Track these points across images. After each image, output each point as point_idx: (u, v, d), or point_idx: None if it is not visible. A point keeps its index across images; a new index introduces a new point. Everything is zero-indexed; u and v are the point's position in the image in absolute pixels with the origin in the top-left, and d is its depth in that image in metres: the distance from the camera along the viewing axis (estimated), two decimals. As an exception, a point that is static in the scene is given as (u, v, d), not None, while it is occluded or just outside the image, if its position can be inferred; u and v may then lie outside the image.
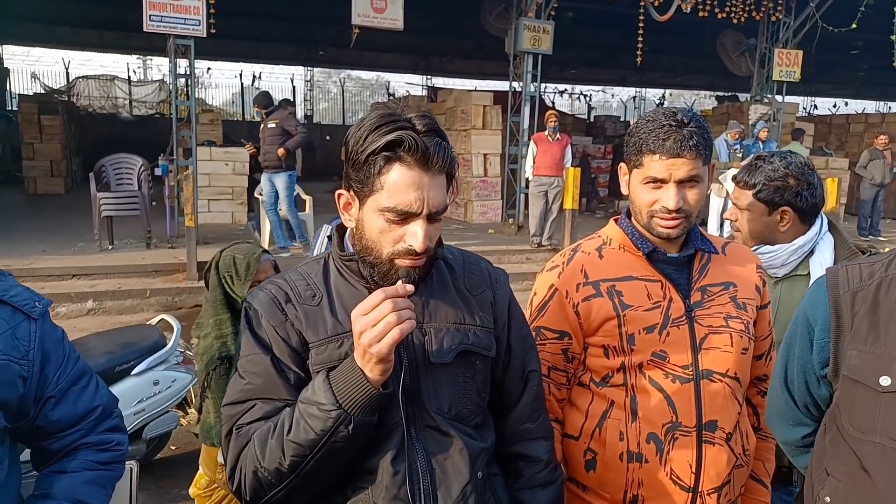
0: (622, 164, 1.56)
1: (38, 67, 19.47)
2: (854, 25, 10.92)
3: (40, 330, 1.25)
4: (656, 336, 1.47)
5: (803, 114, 21.20)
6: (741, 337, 1.51)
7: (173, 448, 3.97)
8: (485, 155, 11.37)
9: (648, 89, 26.93)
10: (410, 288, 1.11)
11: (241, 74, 21.96)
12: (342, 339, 1.19)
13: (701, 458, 1.46)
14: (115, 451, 1.38)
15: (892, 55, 11.45)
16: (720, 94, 20.79)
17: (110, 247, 7.94)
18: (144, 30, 7.99)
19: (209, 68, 21.66)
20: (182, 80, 8.94)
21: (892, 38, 11.40)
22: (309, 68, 22.80)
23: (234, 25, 14.55)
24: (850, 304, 1.26)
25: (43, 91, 17.28)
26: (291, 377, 1.19)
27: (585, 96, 27.08)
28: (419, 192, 1.13)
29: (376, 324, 1.05)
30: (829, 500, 1.29)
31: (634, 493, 1.49)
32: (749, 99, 12.81)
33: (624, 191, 1.56)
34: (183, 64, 8.64)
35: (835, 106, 26.25)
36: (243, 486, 1.17)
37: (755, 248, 1.96)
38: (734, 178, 2.07)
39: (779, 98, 12.23)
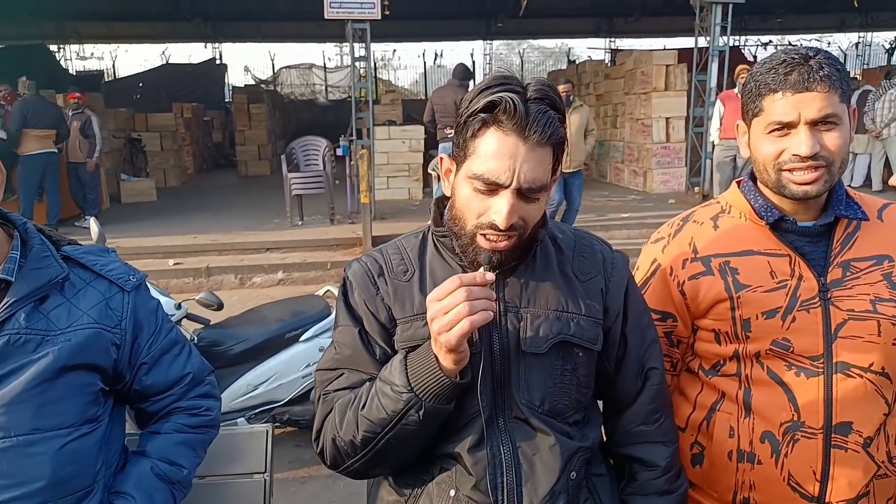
0: (738, 123, 1.32)
1: (249, 61, 21.78)
2: None
3: (133, 301, 1.35)
4: (778, 321, 1.25)
5: None
6: (893, 325, 1.23)
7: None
8: (667, 119, 10.58)
9: (875, 33, 23.20)
10: (491, 277, 1.02)
11: (423, 54, 22.69)
12: None
13: (828, 466, 1.24)
14: (205, 415, 1.46)
15: None
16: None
17: (300, 223, 8.64)
18: (325, 17, 8.49)
19: (395, 50, 22.64)
20: (362, 63, 9.39)
21: None
22: (488, 41, 22.87)
23: (415, 6, 14.99)
24: None
25: (253, 83, 19.28)
26: (377, 352, 1.17)
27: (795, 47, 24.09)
28: (511, 162, 1.03)
29: (448, 312, 0.99)
30: None
31: (745, 495, 1.31)
32: None
33: (744, 153, 1.31)
34: (361, 48, 9.06)
35: None
36: (325, 451, 1.19)
37: None
38: None
39: None
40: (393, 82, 22.78)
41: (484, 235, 1.09)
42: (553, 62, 26.03)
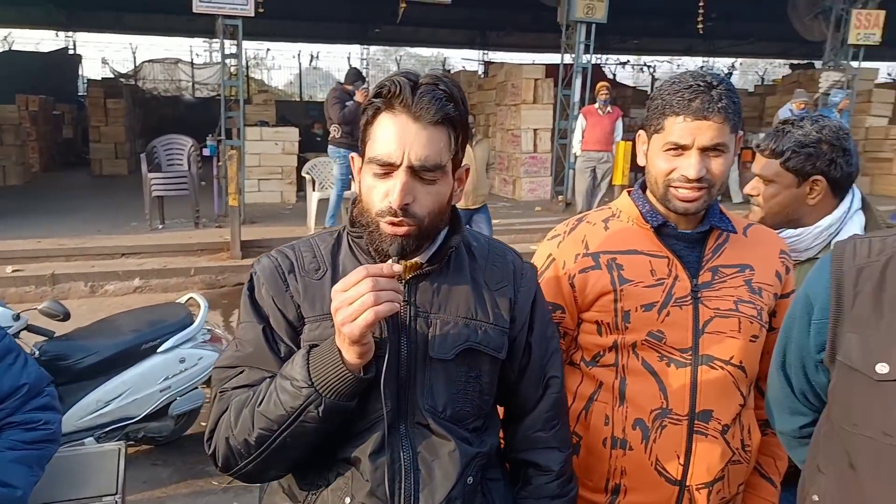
0: (640, 132, 1.44)
1: (107, 53, 20.26)
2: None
3: None
4: (654, 314, 1.38)
5: (887, 79, 19.74)
6: (751, 323, 1.40)
7: (203, 424, 4.03)
8: (535, 130, 11.08)
9: (717, 58, 25.66)
10: (398, 268, 1.03)
11: (299, 55, 22.20)
12: None
13: (690, 450, 1.37)
14: (44, 429, 1.37)
15: None
16: (794, 62, 19.58)
17: (161, 226, 8.17)
18: (194, 11, 8.10)
19: (268, 49, 21.98)
20: (233, 61, 9.03)
21: None
22: (365, 46, 22.81)
23: (291, 5, 14.63)
24: (853, 282, 1.10)
25: (112, 76, 17.95)
26: (282, 349, 1.14)
27: (649, 67, 26.08)
28: (401, 141, 1.05)
29: (352, 302, 0.97)
30: (816, 498, 1.16)
31: (617, 482, 1.41)
32: (823, 66, 11.98)
33: (640, 161, 1.44)
34: (232, 45, 8.72)
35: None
36: (217, 452, 1.13)
37: (777, 231, 1.79)
38: (756, 145, 1.88)
39: (854, 64, 11.36)
40: (266, 82, 22.10)
41: (385, 224, 1.09)
42: (429, 70, 26.41)
